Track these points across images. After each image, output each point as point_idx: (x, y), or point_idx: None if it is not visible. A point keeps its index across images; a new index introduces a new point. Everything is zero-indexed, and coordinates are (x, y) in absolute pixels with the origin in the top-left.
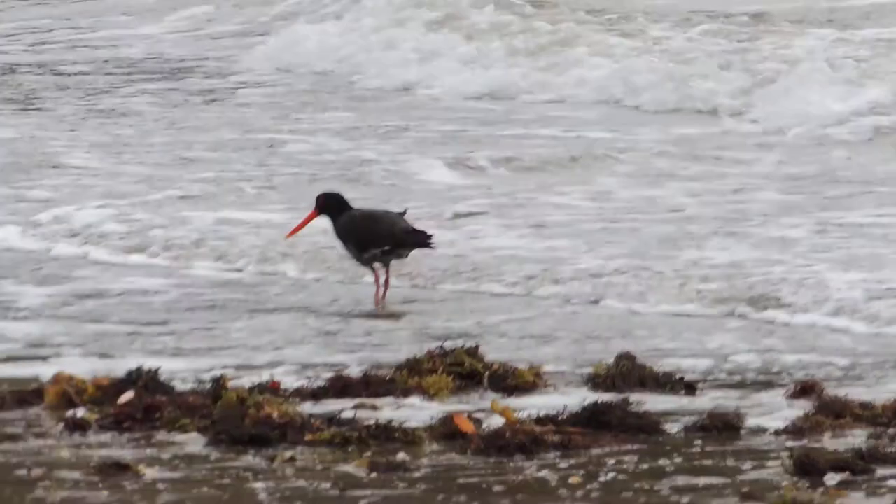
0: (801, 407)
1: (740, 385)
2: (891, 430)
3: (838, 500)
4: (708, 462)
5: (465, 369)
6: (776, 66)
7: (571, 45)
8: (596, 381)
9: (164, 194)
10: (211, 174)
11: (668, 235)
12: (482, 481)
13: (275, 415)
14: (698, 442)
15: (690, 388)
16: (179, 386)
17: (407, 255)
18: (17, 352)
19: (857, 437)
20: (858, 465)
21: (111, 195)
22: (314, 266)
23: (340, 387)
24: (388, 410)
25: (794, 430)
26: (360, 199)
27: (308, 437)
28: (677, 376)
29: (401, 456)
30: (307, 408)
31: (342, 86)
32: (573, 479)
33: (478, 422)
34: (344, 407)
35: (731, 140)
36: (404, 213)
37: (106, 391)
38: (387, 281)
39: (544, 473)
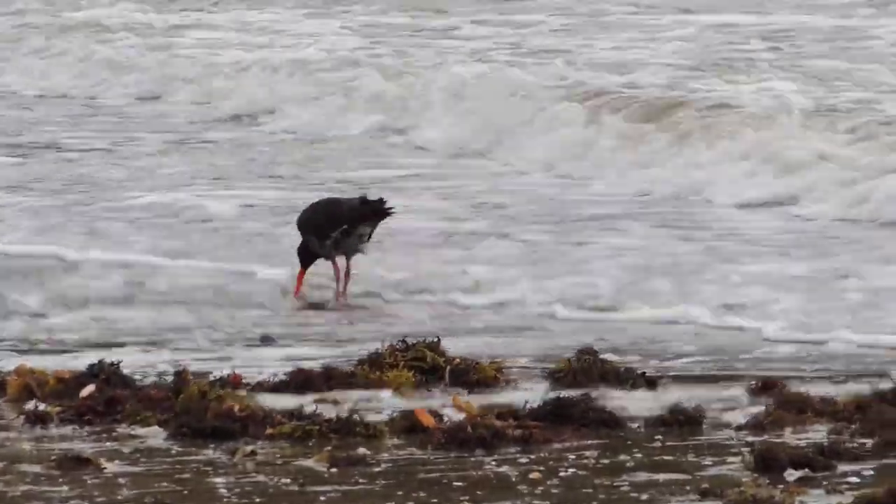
0: (763, 403)
1: (702, 380)
2: (852, 427)
3: (798, 497)
4: (668, 457)
5: (426, 364)
6: None
7: None
8: (557, 377)
9: None
10: None
11: None
12: (442, 476)
13: (236, 408)
14: (659, 437)
15: (651, 383)
16: (141, 380)
17: (369, 237)
18: None
19: (818, 433)
20: (819, 462)
21: None
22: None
23: (302, 380)
24: (349, 405)
25: (756, 426)
26: None
27: (269, 430)
28: (638, 371)
29: (361, 450)
30: (268, 401)
31: None
32: (534, 475)
33: (440, 416)
34: (304, 402)
35: None
36: (364, 197)
37: (67, 384)
38: (347, 272)
39: (505, 469)
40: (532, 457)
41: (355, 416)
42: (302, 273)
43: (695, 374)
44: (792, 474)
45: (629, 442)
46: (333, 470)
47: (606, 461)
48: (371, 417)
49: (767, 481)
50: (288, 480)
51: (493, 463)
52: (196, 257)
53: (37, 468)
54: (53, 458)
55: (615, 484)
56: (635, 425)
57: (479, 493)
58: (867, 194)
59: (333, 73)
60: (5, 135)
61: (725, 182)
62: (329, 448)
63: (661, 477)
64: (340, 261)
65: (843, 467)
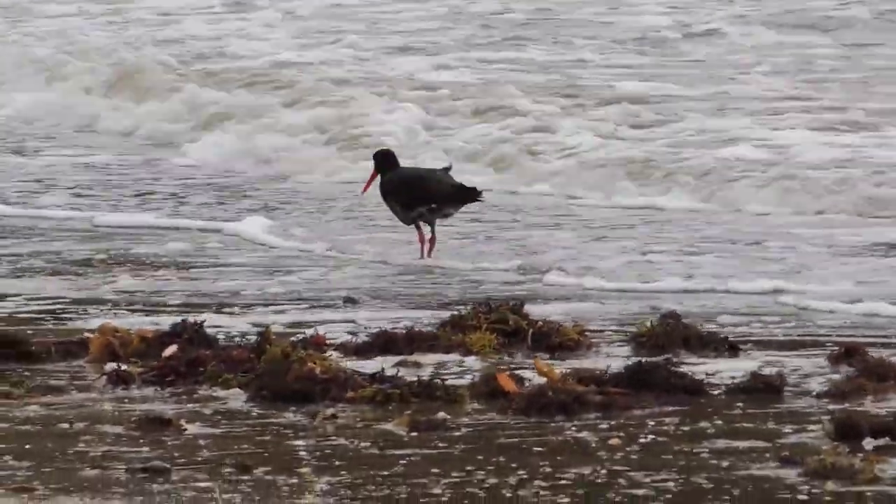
0: (844, 370)
1: (784, 346)
2: None
3: (878, 465)
4: (749, 425)
5: (509, 326)
6: None
7: None
8: (640, 341)
9: None
10: None
11: None
12: (522, 441)
13: (318, 370)
14: (739, 404)
15: (734, 348)
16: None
17: (453, 213)
18: None
19: None
20: None
21: None
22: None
23: (384, 342)
24: (430, 368)
25: (836, 393)
26: None
27: (350, 394)
28: (721, 336)
29: (441, 415)
30: (351, 363)
31: None
32: (613, 441)
33: (521, 380)
34: (386, 364)
35: None
36: (449, 168)
37: (151, 343)
38: (433, 238)
39: (585, 434)
40: (612, 422)
41: (436, 381)
42: (374, 176)
43: (778, 340)
44: (871, 443)
45: (710, 409)
46: (413, 434)
47: (686, 428)
48: (452, 381)
49: (847, 449)
50: (368, 444)
51: (573, 428)
52: None
53: (118, 429)
54: (134, 418)
55: (695, 451)
56: (716, 392)
57: (558, 458)
58: None
59: None
60: None
61: None
62: (409, 412)
63: (741, 444)
64: (424, 227)
65: None
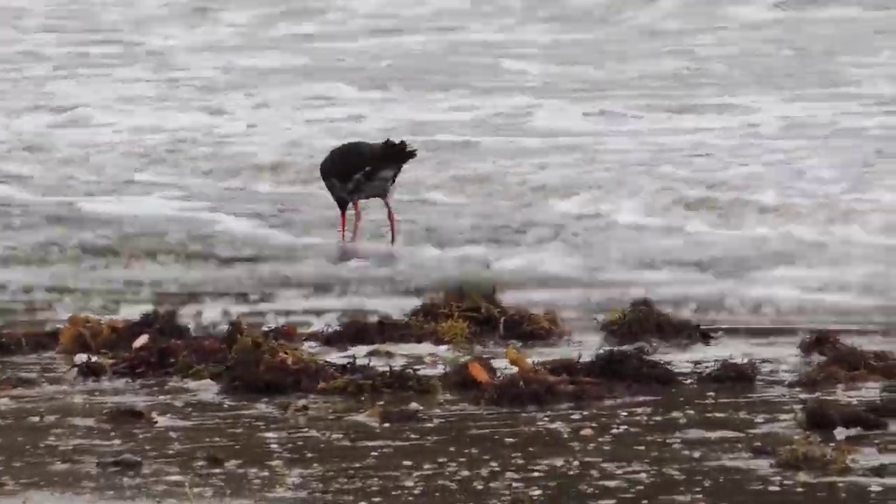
0: (816, 358)
1: (756, 333)
2: None
3: (850, 456)
4: (721, 414)
5: (481, 314)
6: None
7: None
8: (611, 329)
9: None
10: None
11: None
12: (494, 432)
13: (289, 361)
14: (711, 393)
15: (706, 336)
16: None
17: (393, 181)
18: None
19: (871, 390)
20: (871, 420)
21: None
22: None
23: (355, 331)
24: (402, 357)
25: (808, 383)
26: None
27: (322, 385)
28: (693, 323)
29: (413, 405)
30: (322, 353)
31: None
32: (585, 432)
33: (493, 370)
34: (358, 354)
35: None
36: (388, 140)
37: (121, 334)
38: (390, 215)
39: (557, 425)
40: (584, 413)
41: (408, 371)
42: (343, 215)
43: (750, 328)
44: (843, 432)
45: (682, 398)
46: (385, 425)
47: (659, 418)
48: (424, 371)
49: (819, 439)
50: (339, 435)
51: (546, 419)
52: None
53: (89, 422)
54: (105, 411)
55: (667, 441)
56: (688, 381)
57: (530, 449)
58: None
59: None
60: None
61: None
62: (381, 403)
63: (713, 434)
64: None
65: (895, 426)
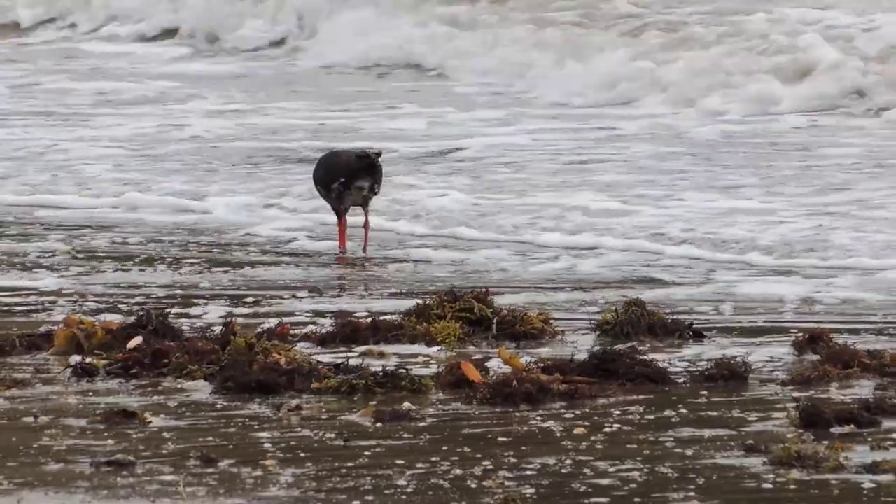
0: (809, 356)
1: (749, 332)
2: None
3: (843, 454)
4: (714, 413)
5: (474, 315)
6: None
7: None
8: (605, 328)
9: None
10: None
11: None
12: (487, 431)
13: (282, 362)
14: (704, 392)
15: (699, 335)
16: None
17: (371, 189)
18: None
19: (864, 388)
20: (864, 418)
21: None
22: None
23: (349, 332)
24: (395, 357)
25: (801, 381)
26: None
27: (315, 384)
28: (686, 323)
29: (406, 405)
30: (315, 353)
31: None
32: (578, 430)
33: (486, 370)
34: (351, 354)
35: None
36: (378, 154)
37: (115, 335)
38: (366, 224)
39: (550, 424)
40: (577, 412)
41: (401, 371)
42: (340, 224)
43: (742, 326)
44: (837, 430)
45: (674, 397)
46: (378, 425)
47: (651, 416)
48: (417, 371)
49: (812, 437)
50: (332, 435)
51: (538, 418)
52: None
53: (82, 422)
54: (99, 411)
55: (660, 439)
56: (681, 380)
57: (523, 448)
58: None
59: None
60: None
61: None
62: (374, 403)
63: (706, 433)
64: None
65: (888, 423)
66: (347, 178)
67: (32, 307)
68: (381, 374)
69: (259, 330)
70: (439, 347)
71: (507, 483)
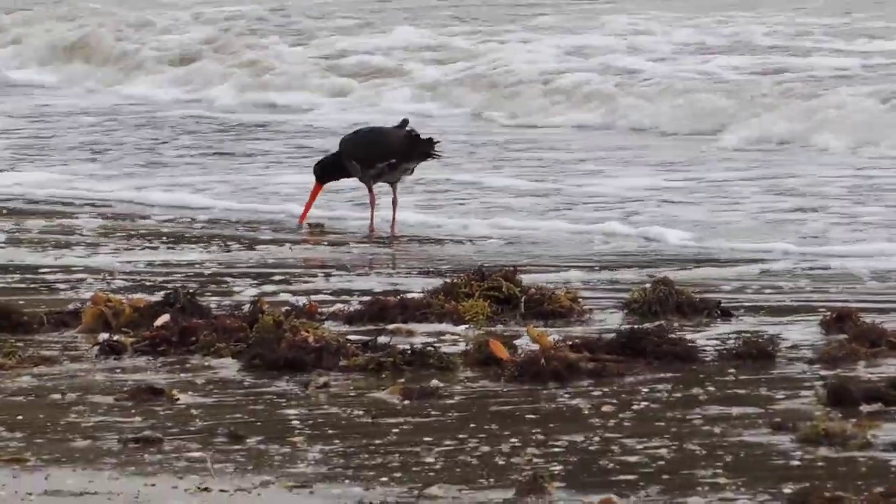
0: (836, 335)
1: (777, 311)
2: None
3: (870, 431)
4: (741, 391)
5: (502, 294)
6: None
7: None
8: (633, 307)
9: None
10: None
11: None
12: (515, 409)
13: (310, 339)
14: (732, 370)
15: (727, 314)
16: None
17: (412, 171)
18: None
19: (891, 366)
20: (892, 395)
21: None
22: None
23: (377, 310)
24: (423, 336)
25: (829, 359)
26: None
27: (343, 362)
28: (714, 301)
29: (434, 383)
30: (343, 331)
31: None
32: (606, 408)
33: (514, 348)
34: (379, 331)
35: None
36: (405, 123)
37: (143, 313)
38: (394, 201)
39: (577, 402)
40: (605, 389)
41: (429, 348)
42: (318, 188)
43: (770, 306)
44: (864, 408)
45: (702, 375)
46: (406, 402)
47: (679, 394)
48: (445, 349)
49: (840, 415)
50: (360, 412)
51: (566, 396)
52: None
53: (110, 399)
54: (126, 389)
55: (688, 417)
56: (709, 358)
57: (551, 425)
58: None
59: None
60: None
61: None
62: (402, 380)
63: (734, 410)
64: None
65: None
66: (400, 159)
67: (62, 284)
68: (409, 351)
69: (287, 308)
70: (467, 326)
71: (535, 460)
